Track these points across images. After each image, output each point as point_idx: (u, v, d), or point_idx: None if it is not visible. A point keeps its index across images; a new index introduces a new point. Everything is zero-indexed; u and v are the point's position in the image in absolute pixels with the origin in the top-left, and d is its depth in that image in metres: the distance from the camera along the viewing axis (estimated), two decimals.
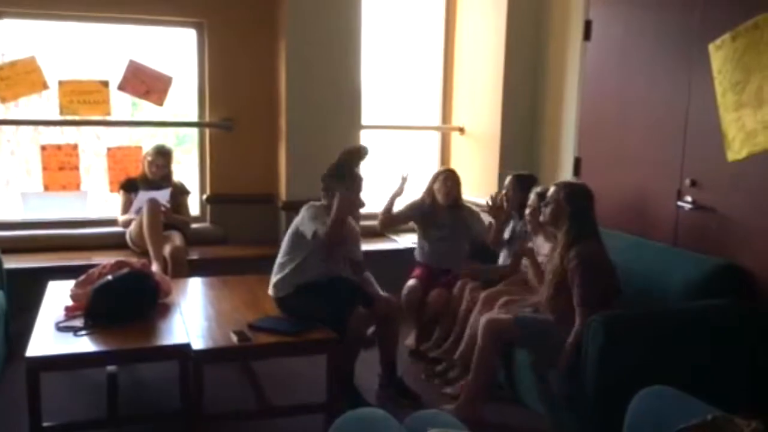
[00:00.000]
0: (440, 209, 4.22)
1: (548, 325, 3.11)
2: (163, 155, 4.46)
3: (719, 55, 3.15)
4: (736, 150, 3.06)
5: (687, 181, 3.36)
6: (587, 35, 4.16)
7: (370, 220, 5.12)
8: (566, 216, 3.07)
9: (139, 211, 4.24)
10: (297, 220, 3.42)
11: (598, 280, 2.97)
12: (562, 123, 4.50)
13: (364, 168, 3.64)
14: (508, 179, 4.07)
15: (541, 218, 3.25)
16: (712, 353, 2.88)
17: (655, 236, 3.52)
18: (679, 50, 3.45)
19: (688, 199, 3.36)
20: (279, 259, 3.44)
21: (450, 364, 3.75)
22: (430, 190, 4.25)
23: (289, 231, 3.44)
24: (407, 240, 4.81)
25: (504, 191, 4.04)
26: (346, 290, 3.37)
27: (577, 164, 4.26)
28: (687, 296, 3.00)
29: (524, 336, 3.17)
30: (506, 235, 4.00)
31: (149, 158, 4.45)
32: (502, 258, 4.02)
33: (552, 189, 3.19)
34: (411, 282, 4.16)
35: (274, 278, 3.40)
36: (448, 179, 4.20)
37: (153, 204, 4.20)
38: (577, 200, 3.10)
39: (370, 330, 4.32)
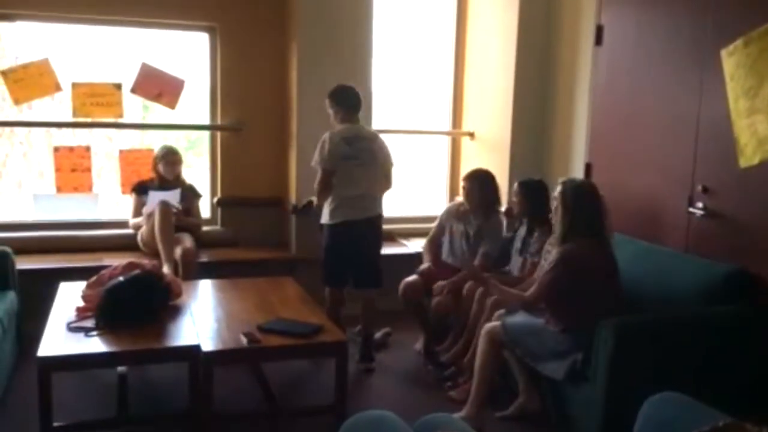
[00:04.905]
0: (473, 209, 4.13)
1: (534, 325, 3.14)
2: (172, 152, 4.54)
3: (731, 61, 3.14)
4: (749, 156, 3.04)
5: (699, 188, 3.35)
6: (599, 40, 4.15)
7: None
8: (565, 212, 3.07)
9: (150, 214, 4.26)
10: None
11: (569, 276, 2.97)
12: (573, 128, 4.48)
13: None
14: (515, 187, 3.96)
15: (553, 218, 3.21)
16: (723, 360, 2.87)
17: (666, 242, 3.51)
18: (691, 55, 3.44)
19: (700, 205, 3.35)
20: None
21: (459, 368, 3.74)
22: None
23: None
24: (416, 245, 4.79)
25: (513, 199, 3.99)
26: None
27: (588, 170, 4.25)
28: (698, 302, 2.99)
29: (511, 339, 3.18)
30: (518, 244, 3.94)
31: (159, 157, 4.51)
32: (518, 267, 3.90)
33: (558, 187, 3.19)
34: (411, 277, 4.08)
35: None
36: (464, 187, 4.15)
37: (165, 206, 4.23)
38: (576, 196, 3.08)
39: (382, 333, 4.34)
